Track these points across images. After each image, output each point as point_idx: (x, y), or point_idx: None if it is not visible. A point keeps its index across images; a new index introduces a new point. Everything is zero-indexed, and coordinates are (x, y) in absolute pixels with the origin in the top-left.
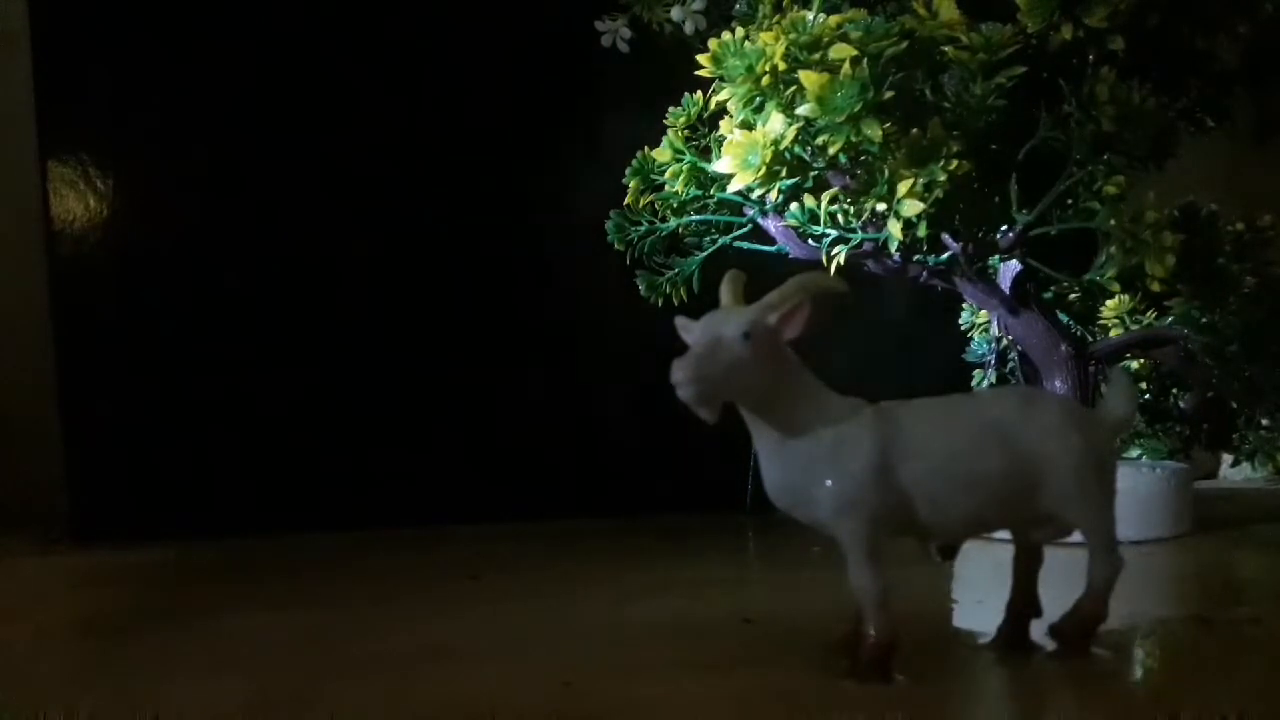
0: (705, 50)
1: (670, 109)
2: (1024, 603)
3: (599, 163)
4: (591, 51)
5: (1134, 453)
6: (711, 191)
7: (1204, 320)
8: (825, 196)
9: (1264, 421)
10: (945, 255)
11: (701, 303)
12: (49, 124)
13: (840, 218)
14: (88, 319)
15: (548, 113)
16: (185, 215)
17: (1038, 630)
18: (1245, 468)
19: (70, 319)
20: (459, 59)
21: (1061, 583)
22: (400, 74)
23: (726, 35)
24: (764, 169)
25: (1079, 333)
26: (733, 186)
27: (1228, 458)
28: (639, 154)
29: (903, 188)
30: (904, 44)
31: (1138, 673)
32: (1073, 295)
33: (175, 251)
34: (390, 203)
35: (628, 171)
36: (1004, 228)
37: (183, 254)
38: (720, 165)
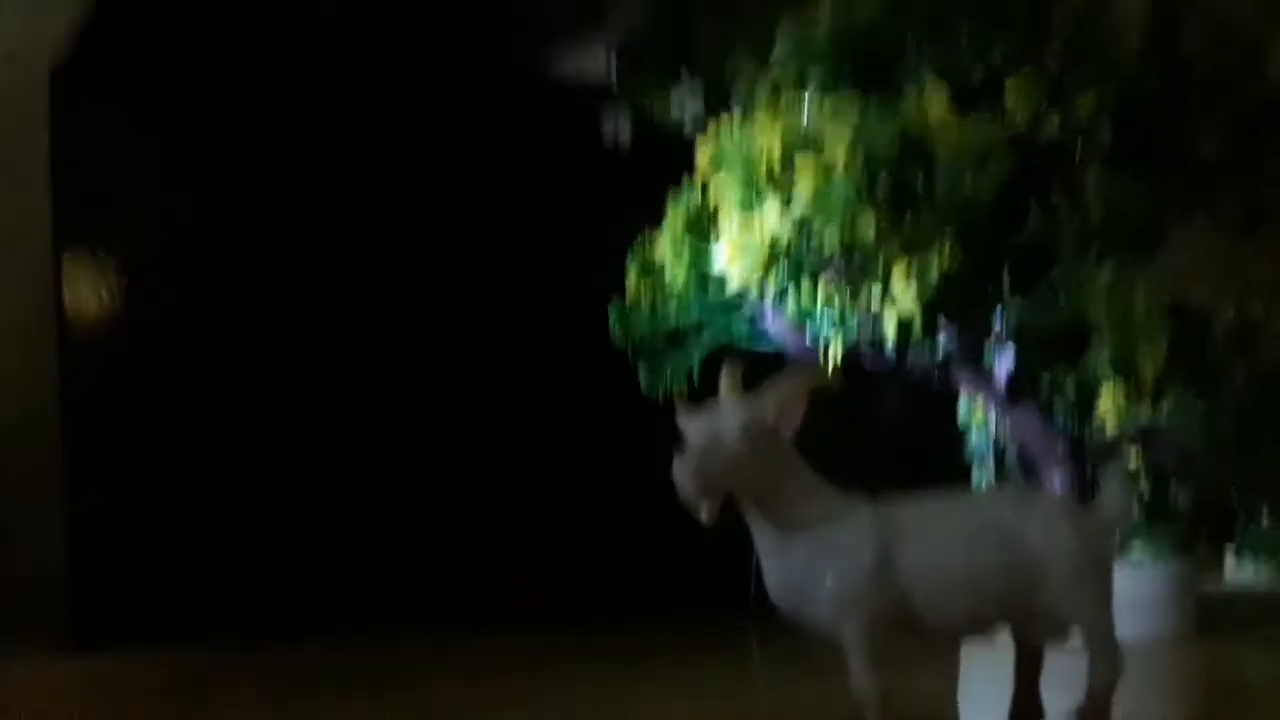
0: (704, 134)
1: (670, 200)
2: (1026, 706)
3: (601, 256)
4: (595, 140)
5: (1134, 552)
6: (710, 288)
7: (1199, 411)
8: (821, 290)
9: (1264, 517)
10: (941, 348)
11: (701, 395)
12: (65, 221)
13: (836, 311)
14: (96, 422)
15: (553, 208)
16: (196, 313)
17: None
18: (1250, 568)
19: (79, 421)
20: (464, 148)
21: (1065, 686)
22: (401, 170)
23: (725, 123)
24: (761, 265)
25: (1075, 428)
26: (731, 283)
27: (1232, 557)
28: (640, 248)
29: (897, 277)
30: (897, 141)
31: None
32: (1067, 391)
33: (185, 349)
34: (396, 304)
35: (629, 264)
36: (997, 322)
37: (192, 354)
38: (719, 261)
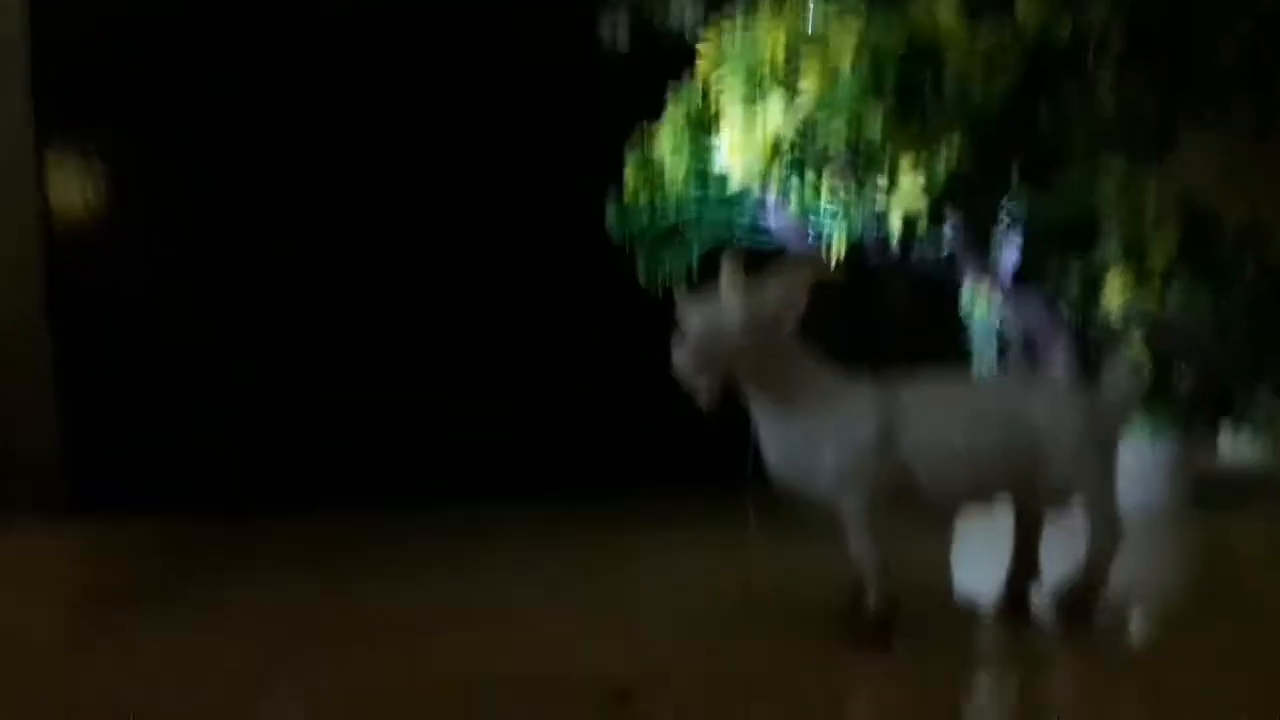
0: (705, 41)
1: (670, 99)
2: (1024, 571)
3: (601, 153)
4: (592, 44)
5: (1134, 429)
6: (711, 186)
7: (1206, 300)
8: (824, 187)
9: (1263, 399)
10: (946, 244)
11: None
12: (46, 115)
13: (840, 209)
14: (85, 293)
15: (550, 106)
16: (181, 203)
17: (1038, 599)
18: (1245, 447)
19: (66, 300)
20: (463, 53)
21: (1061, 554)
22: (396, 67)
23: (727, 25)
24: (764, 164)
25: (1080, 314)
26: (733, 181)
27: (1226, 437)
28: (640, 146)
29: (904, 172)
30: (904, 44)
31: (1137, 641)
32: (1073, 281)
33: (170, 236)
34: (386, 191)
35: (627, 165)
36: (1004, 212)
37: (178, 238)
38: (720, 160)
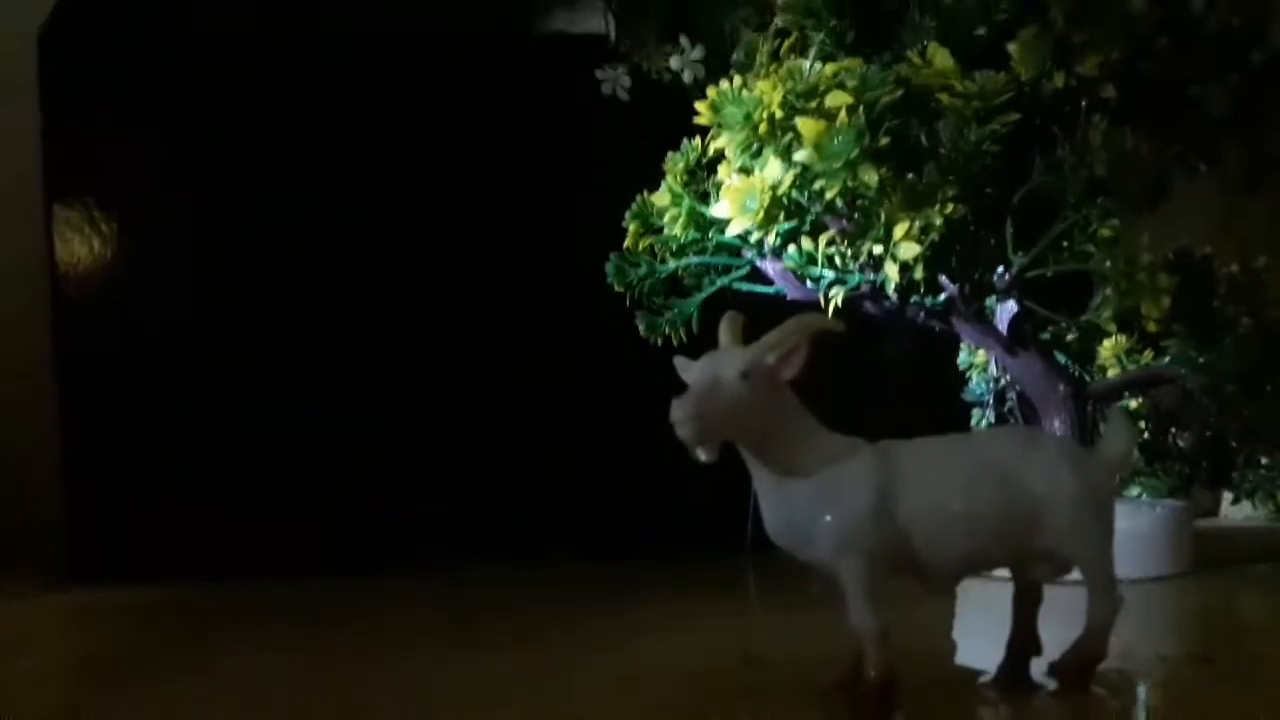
0: (704, 98)
1: (669, 154)
2: (1024, 641)
3: (599, 207)
4: (593, 100)
5: (1133, 491)
6: (710, 235)
7: (1201, 360)
8: (823, 239)
9: (1263, 460)
10: (942, 297)
11: (700, 343)
12: (54, 168)
13: (838, 260)
14: (91, 359)
15: (549, 160)
16: (189, 257)
17: (1038, 669)
18: (1245, 506)
19: (73, 358)
20: (460, 107)
21: (1062, 621)
22: (400, 121)
23: (724, 84)
24: (762, 213)
25: (1077, 373)
26: (731, 230)
27: (1228, 496)
28: (638, 198)
29: (899, 231)
30: (899, 92)
31: (1138, 712)
32: (1070, 336)
33: (179, 296)
34: (388, 250)
35: (627, 215)
36: (1000, 269)
37: (187, 299)
38: (719, 209)
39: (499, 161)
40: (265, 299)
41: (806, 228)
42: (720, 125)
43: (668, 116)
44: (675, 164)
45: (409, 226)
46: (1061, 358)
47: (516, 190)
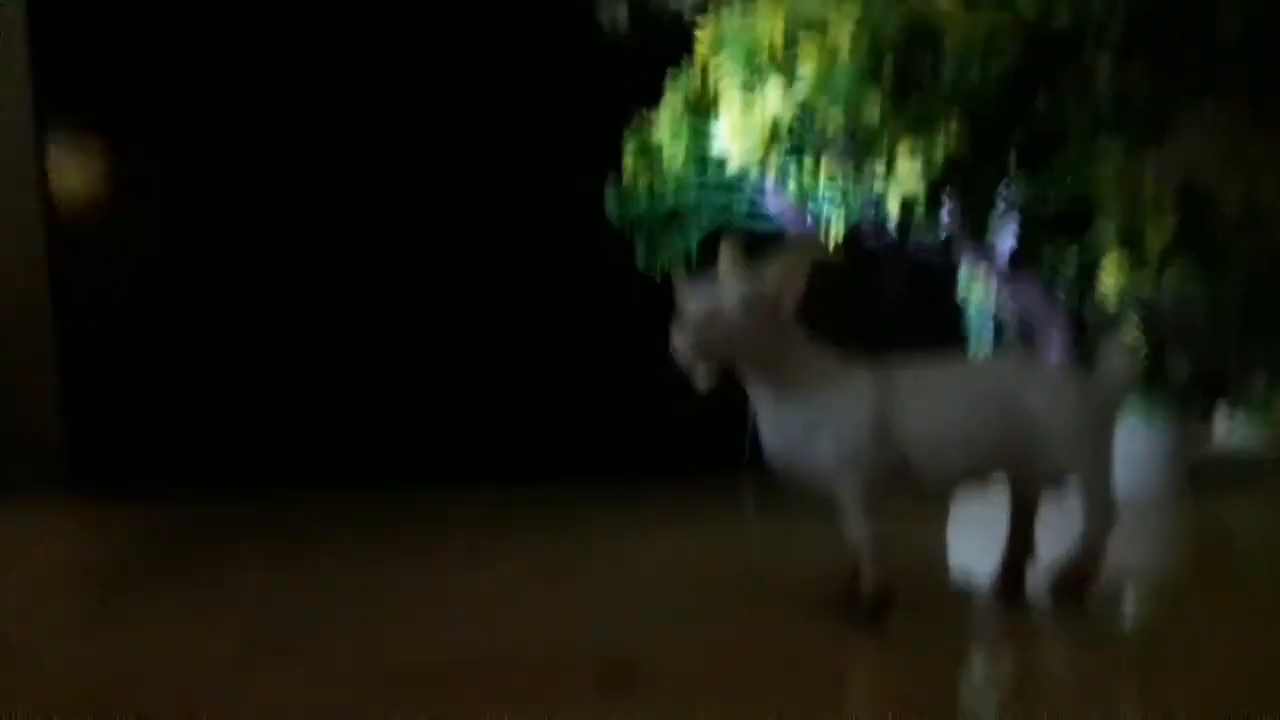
0: (703, 28)
1: (668, 86)
2: (1019, 552)
3: (599, 138)
4: (590, 30)
5: (1128, 414)
6: (710, 170)
7: (1202, 285)
8: (823, 171)
9: (1260, 386)
10: (944, 228)
11: (700, 272)
12: (47, 97)
13: (838, 193)
14: (87, 281)
15: (547, 92)
16: (189, 177)
17: (1033, 581)
18: (1237, 433)
19: (69, 282)
20: (458, 38)
21: (1057, 535)
22: (396, 51)
23: (725, 13)
24: (762, 146)
25: (1076, 299)
26: (731, 165)
27: (1221, 422)
28: (638, 130)
29: (901, 163)
30: (903, 27)
31: (1130, 624)
32: (1069, 267)
33: (172, 221)
34: (384, 173)
35: (626, 148)
36: (1001, 200)
37: (180, 222)
38: (719, 143)
39: (496, 94)
40: (262, 217)
41: (807, 160)
42: (720, 57)
43: (668, 48)
44: (674, 96)
45: (406, 152)
46: (1062, 284)
47: (515, 118)
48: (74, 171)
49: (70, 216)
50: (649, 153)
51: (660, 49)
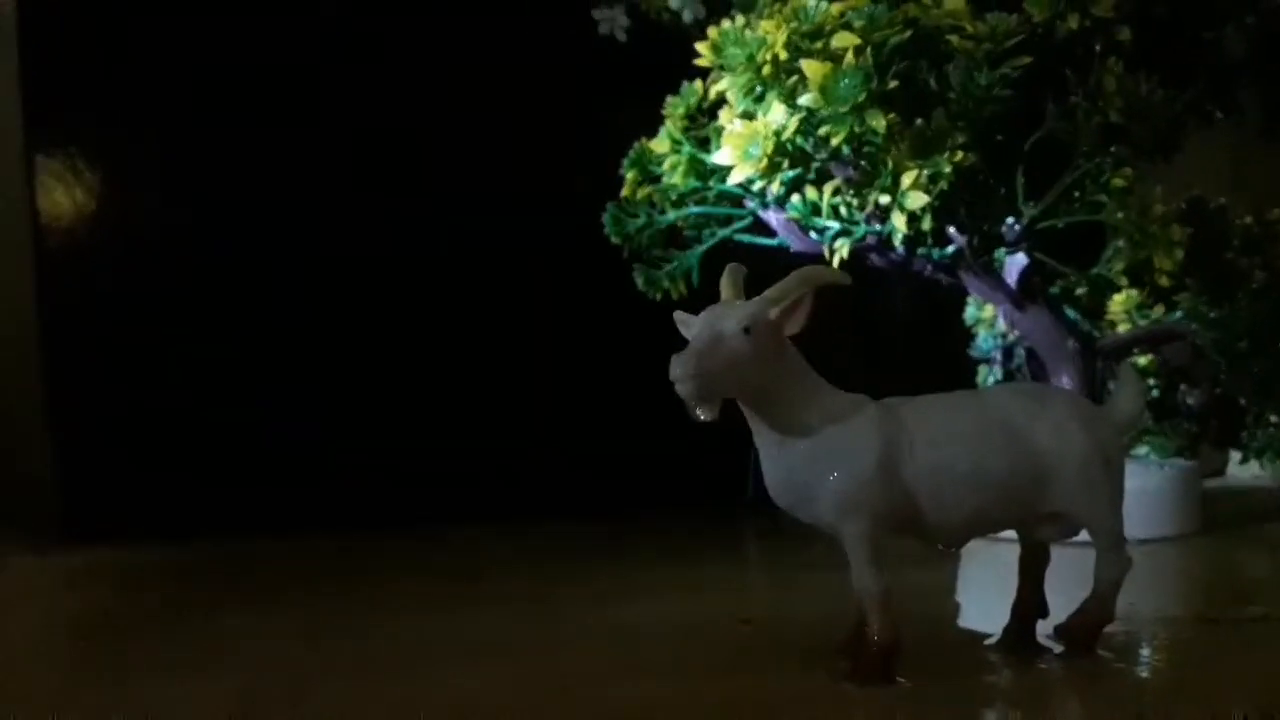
0: (704, 39)
1: (669, 98)
2: (1030, 603)
3: (595, 155)
4: (589, 40)
5: (1141, 450)
6: (711, 184)
7: (1212, 315)
8: (828, 188)
9: (1273, 419)
10: (950, 248)
11: (700, 298)
12: (36, 119)
13: (843, 210)
14: (76, 317)
15: (543, 103)
16: (175, 211)
17: (1043, 631)
18: (1253, 465)
19: (57, 317)
20: (454, 49)
21: (1068, 583)
22: (393, 63)
23: (726, 23)
24: (765, 160)
25: (1086, 328)
26: (733, 178)
27: (1235, 455)
28: (636, 145)
29: (907, 179)
30: (907, 33)
31: (1144, 674)
32: (1079, 290)
33: (165, 247)
34: (382, 200)
35: (625, 163)
36: (1010, 220)
37: (172, 250)
38: (720, 156)
39: (493, 107)
40: (256, 248)
41: (811, 176)
42: (722, 67)
43: (667, 58)
44: (675, 109)
45: (401, 172)
46: (1071, 313)
47: (511, 137)
48: (64, 203)
49: (60, 250)
50: (648, 166)
51: (660, 63)
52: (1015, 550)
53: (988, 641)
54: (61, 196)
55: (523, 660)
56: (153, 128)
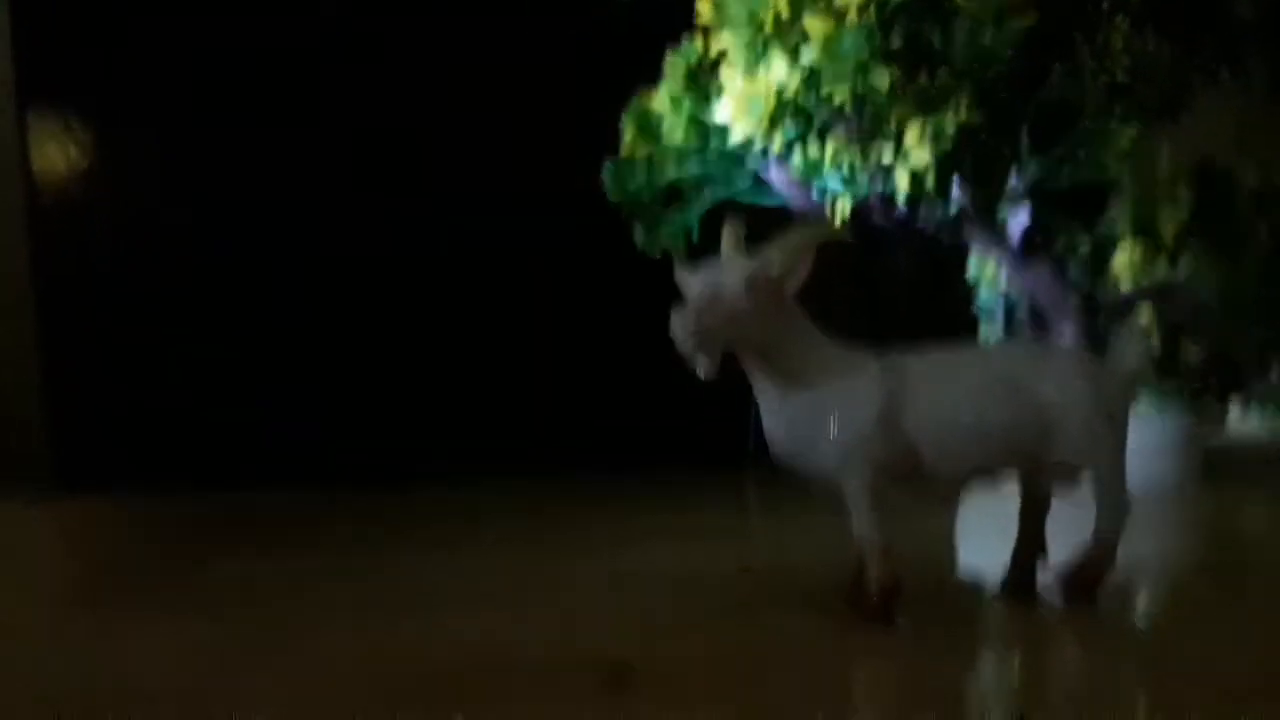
0: None
1: (669, 55)
2: (1030, 550)
3: (596, 111)
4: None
5: (1140, 405)
6: (711, 142)
7: (1217, 270)
8: (830, 145)
9: (1273, 374)
10: (953, 207)
11: (701, 254)
12: (29, 78)
13: (845, 168)
14: (70, 270)
15: (545, 61)
16: (170, 167)
17: (1043, 577)
18: (1252, 420)
19: (51, 269)
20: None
21: (1067, 532)
22: (389, 27)
23: None
24: (766, 117)
25: (1089, 284)
26: (734, 136)
27: (1235, 411)
28: (636, 101)
29: (910, 136)
30: None
31: (1142, 621)
32: (1082, 248)
33: (158, 204)
34: (373, 159)
35: (624, 120)
36: (1014, 178)
37: (166, 207)
38: (721, 114)
39: (492, 66)
40: (252, 201)
41: (813, 134)
42: (723, 24)
43: (668, 14)
44: (675, 66)
45: (398, 130)
46: (1074, 268)
47: (510, 93)
48: (58, 164)
49: (53, 215)
50: (648, 124)
51: (660, 17)
52: (1015, 501)
53: (989, 587)
54: (55, 155)
55: (524, 607)
56: (149, 89)
